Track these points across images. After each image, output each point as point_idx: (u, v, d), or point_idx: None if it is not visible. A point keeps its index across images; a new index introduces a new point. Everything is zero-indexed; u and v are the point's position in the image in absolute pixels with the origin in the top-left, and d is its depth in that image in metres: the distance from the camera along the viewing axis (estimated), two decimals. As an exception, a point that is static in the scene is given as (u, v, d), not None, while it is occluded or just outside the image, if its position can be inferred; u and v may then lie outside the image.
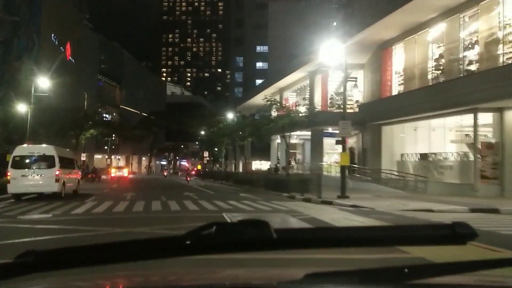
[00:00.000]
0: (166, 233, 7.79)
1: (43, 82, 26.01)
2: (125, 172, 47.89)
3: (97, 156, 68.18)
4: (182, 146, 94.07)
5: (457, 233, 0.86)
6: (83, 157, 40.85)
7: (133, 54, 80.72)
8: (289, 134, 25.92)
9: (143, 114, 75.87)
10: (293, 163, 41.25)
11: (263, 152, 52.26)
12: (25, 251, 0.83)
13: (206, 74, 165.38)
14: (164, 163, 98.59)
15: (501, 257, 1.16)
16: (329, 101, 29.50)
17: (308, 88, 33.98)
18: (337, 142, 18.22)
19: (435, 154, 21.56)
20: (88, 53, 59.37)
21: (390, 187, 22.08)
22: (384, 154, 24.66)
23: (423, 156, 22.32)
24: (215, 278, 1.54)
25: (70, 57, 50.61)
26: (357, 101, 29.58)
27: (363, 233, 0.93)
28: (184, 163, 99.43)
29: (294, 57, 38.82)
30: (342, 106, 29.32)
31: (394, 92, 24.43)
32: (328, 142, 35.30)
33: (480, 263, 0.96)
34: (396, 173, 23.38)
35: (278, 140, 42.39)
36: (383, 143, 24.74)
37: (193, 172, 71.60)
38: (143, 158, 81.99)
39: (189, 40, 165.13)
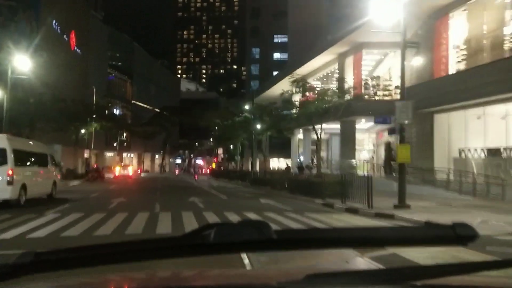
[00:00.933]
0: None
1: (22, 63, 21.56)
2: (129, 171, 43.53)
3: (109, 154, 64.49)
4: (196, 144, 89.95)
5: (458, 234, 0.84)
6: (86, 154, 36.71)
7: (148, 51, 76.87)
8: (320, 125, 21.15)
9: (155, 110, 71.82)
10: (316, 161, 36.43)
11: (281, 149, 47.46)
12: (25, 251, 0.82)
13: (221, 71, 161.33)
14: (178, 161, 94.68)
15: (501, 259, 1.01)
16: (363, 87, 24.57)
17: (337, 73, 29.07)
18: (390, 132, 13.44)
19: (511, 149, 16.57)
20: (97, 45, 55.48)
21: (451, 191, 17.13)
22: (437, 149, 19.70)
23: (494, 152, 17.32)
24: (215, 279, 1.50)
25: (75, 47, 46.77)
26: (397, 87, 24.60)
27: (364, 233, 0.91)
28: (199, 161, 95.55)
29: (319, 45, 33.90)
30: (387, 88, 25.06)
31: (451, 71, 19.38)
32: (357, 138, 30.70)
33: (481, 264, 0.95)
34: (453, 173, 18.38)
35: (300, 135, 37.63)
36: (436, 135, 19.79)
37: (207, 171, 67.61)
38: (156, 156, 78.03)
39: (204, 36, 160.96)
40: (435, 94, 18.95)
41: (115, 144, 58.95)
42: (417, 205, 12.78)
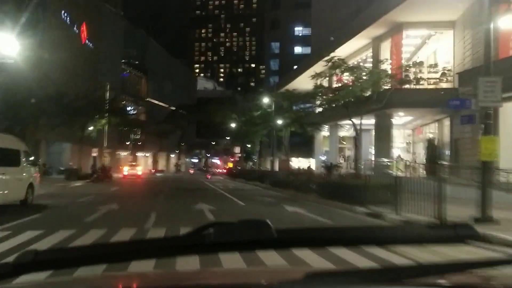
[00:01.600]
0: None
1: (7, 43, 18.71)
2: (138, 171, 40.53)
3: (123, 153, 62.16)
4: (213, 143, 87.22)
5: (458, 234, 0.85)
6: (94, 152, 33.97)
7: (166, 50, 74.34)
8: (360, 118, 17.66)
9: (171, 108, 69.18)
10: (341, 160, 32.83)
11: (301, 148, 43.88)
12: (25, 251, 0.82)
13: (239, 70, 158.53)
14: (195, 160, 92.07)
15: (500, 257, 1.08)
16: (404, 74, 20.94)
17: (368, 62, 25.42)
18: (464, 121, 9.92)
19: None
20: (110, 40, 53.04)
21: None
22: (504, 145, 15.95)
23: None
24: (215, 278, 1.49)
25: (86, 41, 44.29)
26: (444, 73, 20.89)
27: (364, 233, 0.91)
28: (215, 160, 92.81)
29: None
30: (444, 71, 20.98)
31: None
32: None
33: (480, 263, 0.95)
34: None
35: (325, 132, 34.08)
36: (502, 128, 16.06)
37: (223, 171, 64.60)
38: (172, 156, 75.42)
39: (222, 35, 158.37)
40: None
41: (127, 143, 56.35)
42: (504, 218, 9.24)
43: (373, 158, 28.08)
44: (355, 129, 17.70)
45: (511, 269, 0.98)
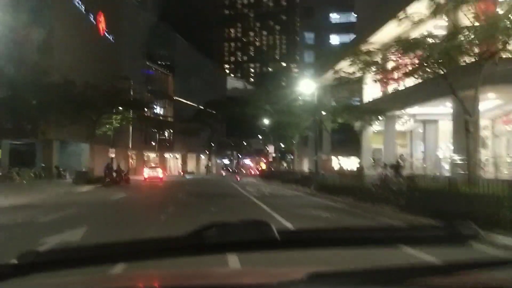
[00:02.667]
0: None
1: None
2: (159, 173, 35.95)
3: (151, 154, 58.59)
4: (244, 143, 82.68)
5: (459, 233, 0.83)
6: (112, 153, 29.84)
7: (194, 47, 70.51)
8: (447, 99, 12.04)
9: (199, 107, 65.04)
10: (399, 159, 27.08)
11: (343, 146, 38.34)
12: (25, 251, 0.81)
13: (269, 69, 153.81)
14: (226, 161, 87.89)
15: (503, 257, 1.05)
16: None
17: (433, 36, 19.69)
18: None
19: None
20: (133, 34, 49.39)
21: None
22: None
23: None
24: (215, 278, 1.51)
25: (105, 33, 40.52)
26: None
27: (364, 233, 0.90)
28: (247, 161, 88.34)
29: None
30: None
31: None
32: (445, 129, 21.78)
33: (483, 263, 0.95)
34: None
35: (378, 126, 28.51)
36: None
37: (255, 172, 59.87)
38: (202, 157, 71.30)
39: (251, 34, 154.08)
40: None
41: (153, 143, 52.46)
42: None
43: (441, 155, 22.45)
44: (467, 112, 12.10)
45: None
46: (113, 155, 29.86)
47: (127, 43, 46.86)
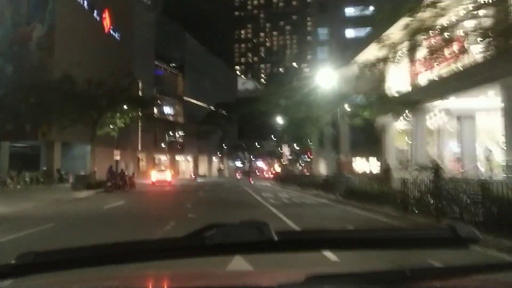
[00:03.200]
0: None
1: None
2: (167, 176, 33.50)
3: (161, 157, 56.65)
4: (257, 145, 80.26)
5: (460, 237, 0.83)
6: (117, 155, 27.69)
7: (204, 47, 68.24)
8: None
9: (210, 107, 62.89)
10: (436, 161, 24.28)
11: (360, 146, 35.63)
12: (25, 251, 0.80)
13: (280, 69, 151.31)
14: (238, 164, 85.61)
15: (504, 261, 0.99)
16: None
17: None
18: None
19: None
20: (142, 32, 47.43)
21: None
22: None
23: None
24: (215, 280, 1.49)
25: (111, 31, 38.50)
26: None
27: (365, 235, 0.90)
28: (260, 163, 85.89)
29: None
30: None
31: None
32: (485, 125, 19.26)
33: (483, 267, 0.94)
34: None
35: (401, 124, 25.78)
36: None
37: (269, 175, 57.39)
38: (214, 159, 69.10)
39: (262, 34, 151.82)
40: None
41: (162, 145, 50.36)
42: None
43: (482, 156, 19.66)
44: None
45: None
46: (118, 157, 27.70)
47: (135, 42, 44.86)
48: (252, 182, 38.08)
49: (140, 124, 45.87)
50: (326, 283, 0.95)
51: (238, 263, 2.88)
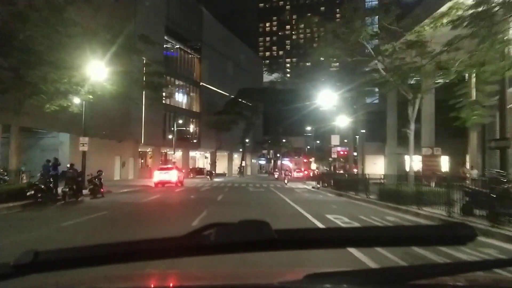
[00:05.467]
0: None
1: None
2: (172, 176, 24.50)
3: (173, 153, 46.91)
4: (285, 141, 69.42)
5: (458, 234, 0.82)
6: (83, 145, 17.53)
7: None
8: None
9: (231, 96, 52.32)
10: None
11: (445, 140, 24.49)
12: (26, 251, 0.78)
13: (307, 64, 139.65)
14: (262, 162, 75.04)
15: (500, 258, 1.00)
16: None
17: None
18: None
19: None
20: (149, 4, 37.50)
21: None
22: None
23: None
24: (215, 278, 1.45)
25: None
26: None
27: (364, 233, 0.88)
28: (287, 162, 75.16)
29: None
30: None
31: None
32: None
33: (480, 264, 0.93)
34: None
35: None
36: None
37: (304, 175, 46.82)
38: (235, 156, 58.64)
39: (287, 27, 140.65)
40: None
41: (170, 137, 40.09)
42: None
43: None
44: None
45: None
46: (85, 148, 17.47)
47: (140, 13, 34.98)
48: (287, 182, 30.58)
49: (144, 109, 35.92)
50: (326, 281, 0.92)
51: (239, 262, 2.58)
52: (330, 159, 28.17)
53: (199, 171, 45.83)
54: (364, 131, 33.99)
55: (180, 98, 45.73)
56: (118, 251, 0.82)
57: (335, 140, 22.82)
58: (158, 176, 24.62)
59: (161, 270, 1.50)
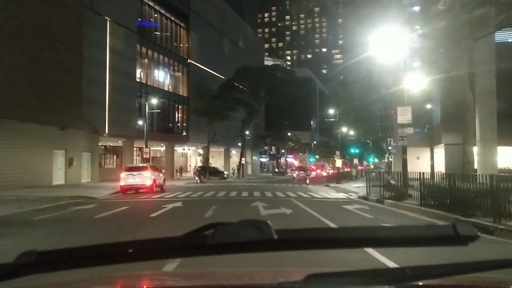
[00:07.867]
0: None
1: None
2: (146, 179, 17.72)
3: (153, 147, 36.67)
4: (291, 135, 58.94)
5: (459, 234, 0.80)
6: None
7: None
8: None
9: (226, 79, 41.51)
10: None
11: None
12: (26, 251, 0.77)
13: (308, 56, 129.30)
14: (264, 159, 64.71)
15: (502, 258, 0.96)
16: None
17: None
18: None
19: None
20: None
21: None
22: None
23: None
24: (215, 279, 1.44)
25: None
26: None
27: (364, 233, 0.86)
28: (292, 159, 64.98)
29: None
30: None
31: None
32: None
33: (482, 264, 0.91)
34: None
35: None
36: None
37: (320, 174, 36.66)
38: (232, 152, 48.02)
39: (287, 18, 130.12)
40: None
41: (155, 129, 29.41)
42: None
43: None
44: None
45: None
46: None
47: None
48: (308, 183, 24.89)
49: (108, 88, 25.33)
50: (326, 281, 0.91)
51: (239, 262, 2.06)
52: (392, 148, 17.57)
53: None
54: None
55: (162, 77, 35.07)
56: (118, 251, 0.79)
57: (404, 114, 12.19)
58: (126, 179, 17.68)
59: (161, 270, 1.45)
